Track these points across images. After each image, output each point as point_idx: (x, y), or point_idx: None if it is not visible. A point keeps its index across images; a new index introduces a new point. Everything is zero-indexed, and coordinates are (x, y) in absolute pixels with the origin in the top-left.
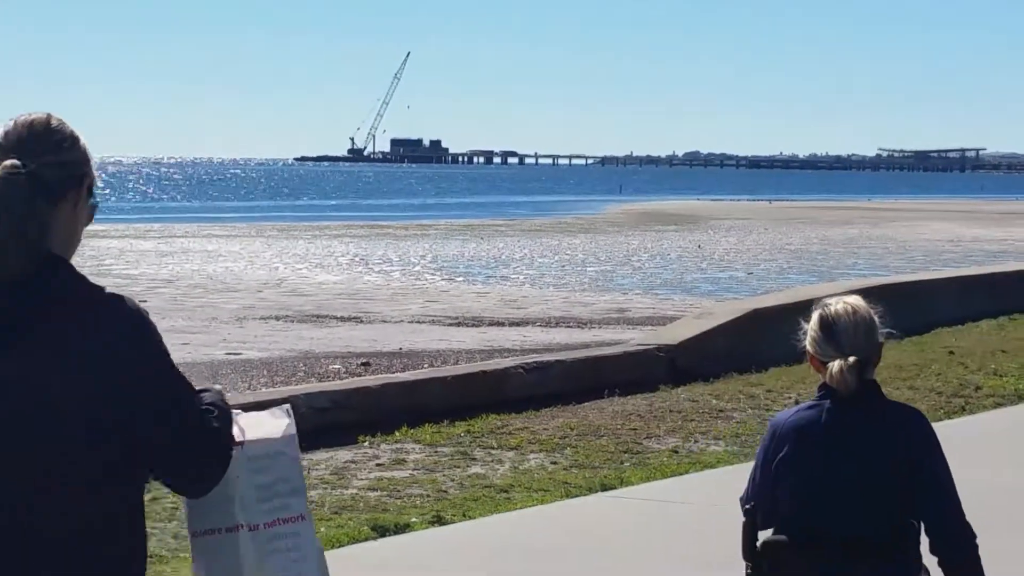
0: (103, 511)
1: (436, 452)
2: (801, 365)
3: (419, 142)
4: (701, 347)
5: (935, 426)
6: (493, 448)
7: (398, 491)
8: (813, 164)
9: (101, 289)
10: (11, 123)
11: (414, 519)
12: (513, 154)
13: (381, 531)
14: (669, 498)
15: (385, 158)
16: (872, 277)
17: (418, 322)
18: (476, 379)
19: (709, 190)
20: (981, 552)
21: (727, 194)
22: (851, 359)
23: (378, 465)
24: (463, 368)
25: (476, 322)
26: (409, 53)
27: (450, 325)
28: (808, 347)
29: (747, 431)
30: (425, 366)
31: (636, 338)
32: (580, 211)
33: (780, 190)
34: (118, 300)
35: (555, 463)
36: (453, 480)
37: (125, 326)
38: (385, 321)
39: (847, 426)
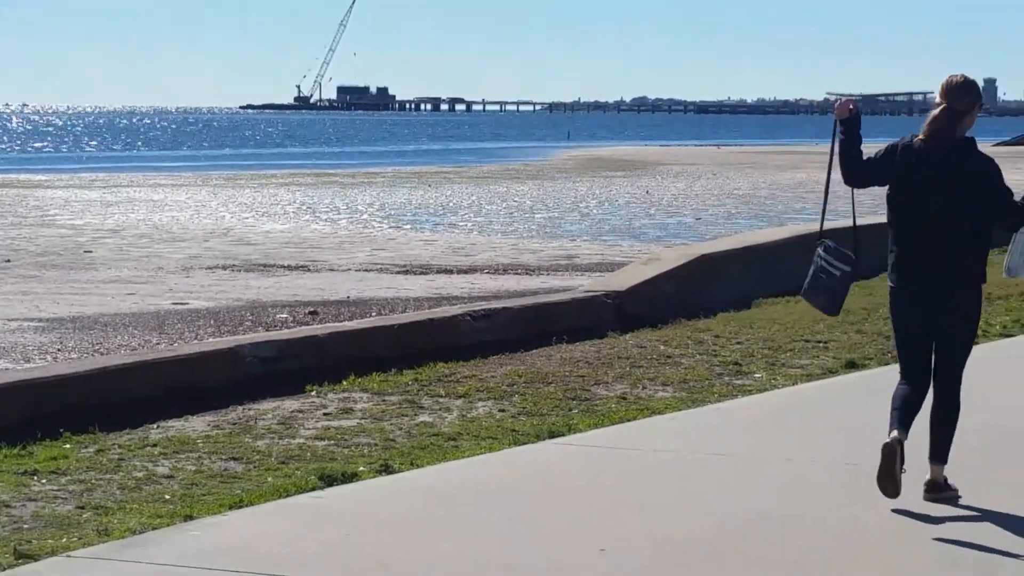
0: None
1: (384, 401)
2: (750, 310)
3: (366, 90)
4: (649, 293)
5: (882, 370)
6: (441, 396)
7: (346, 440)
8: (761, 109)
9: None
10: None
11: (362, 468)
12: (460, 101)
13: (329, 480)
14: (617, 444)
15: (332, 106)
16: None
17: (366, 270)
18: (423, 327)
19: (657, 136)
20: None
21: (675, 140)
22: None
23: (325, 415)
24: (410, 316)
25: (424, 270)
26: (354, 1)
27: (398, 273)
28: None
29: (695, 377)
30: (373, 314)
31: (584, 285)
32: (528, 158)
33: (728, 135)
34: None
35: (503, 411)
36: (401, 429)
37: None
38: (333, 270)
39: None
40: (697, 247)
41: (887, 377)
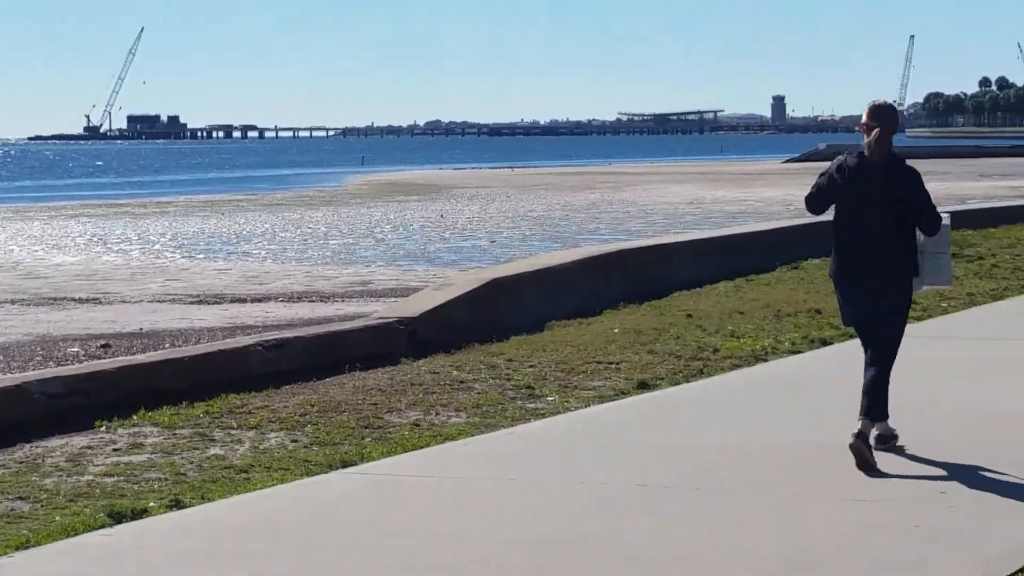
0: None
1: (174, 435)
2: (543, 333)
3: (157, 118)
4: (442, 318)
5: (672, 390)
6: (232, 428)
7: (135, 476)
8: (554, 130)
9: None
10: None
11: (152, 504)
12: (253, 128)
13: (118, 518)
14: (410, 472)
15: (122, 135)
16: (614, 242)
17: (159, 301)
18: (215, 358)
19: (451, 159)
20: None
21: (469, 162)
22: None
23: (115, 450)
24: (202, 348)
25: (218, 300)
26: (143, 28)
27: (191, 303)
28: None
29: (488, 401)
30: (166, 346)
31: (378, 311)
32: (322, 184)
33: (522, 157)
34: None
35: (295, 441)
36: (192, 462)
37: None
38: (125, 301)
39: None
40: (490, 271)
41: (678, 397)
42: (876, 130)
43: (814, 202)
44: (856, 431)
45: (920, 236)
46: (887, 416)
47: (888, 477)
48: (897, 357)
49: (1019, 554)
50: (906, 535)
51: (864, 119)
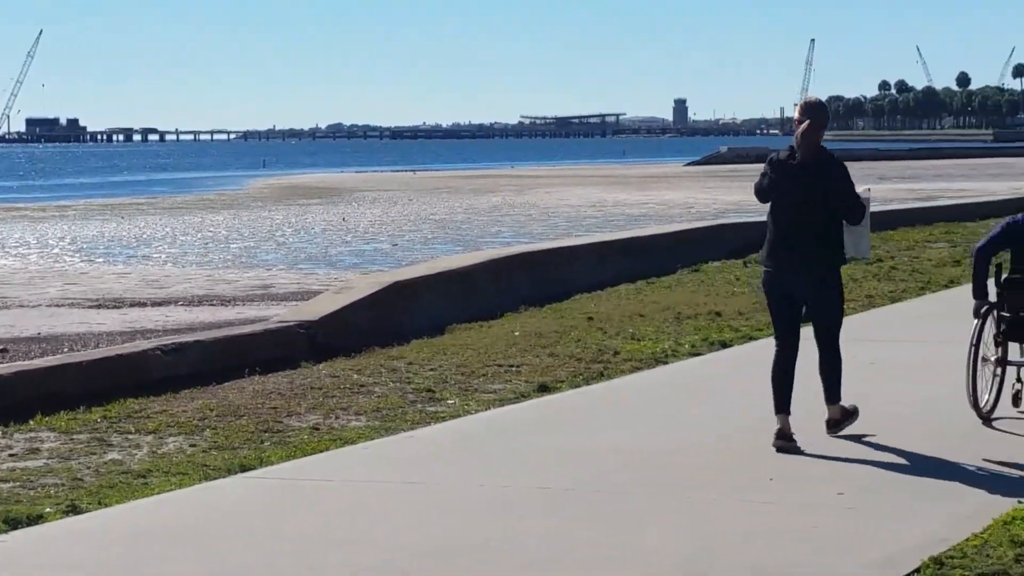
0: None
1: (72, 440)
2: (443, 336)
3: (56, 121)
4: (342, 322)
5: (573, 393)
6: (130, 433)
7: (31, 481)
8: (456, 133)
9: None
10: None
11: (48, 509)
12: (154, 131)
13: (13, 524)
14: (309, 476)
15: (21, 138)
16: (515, 244)
17: (57, 306)
18: (113, 363)
19: (353, 162)
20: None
21: (372, 166)
22: None
23: (11, 456)
24: (100, 352)
25: (117, 304)
26: (41, 31)
27: (90, 308)
28: None
29: (388, 405)
30: (65, 350)
31: (279, 315)
32: (223, 187)
33: (425, 160)
34: None
35: (194, 445)
36: (89, 468)
37: None
38: (23, 306)
39: None
40: (391, 274)
41: (579, 400)
42: (804, 123)
43: (762, 193)
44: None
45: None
46: (839, 399)
47: (786, 479)
48: (797, 358)
49: (915, 554)
50: (804, 537)
51: (796, 115)
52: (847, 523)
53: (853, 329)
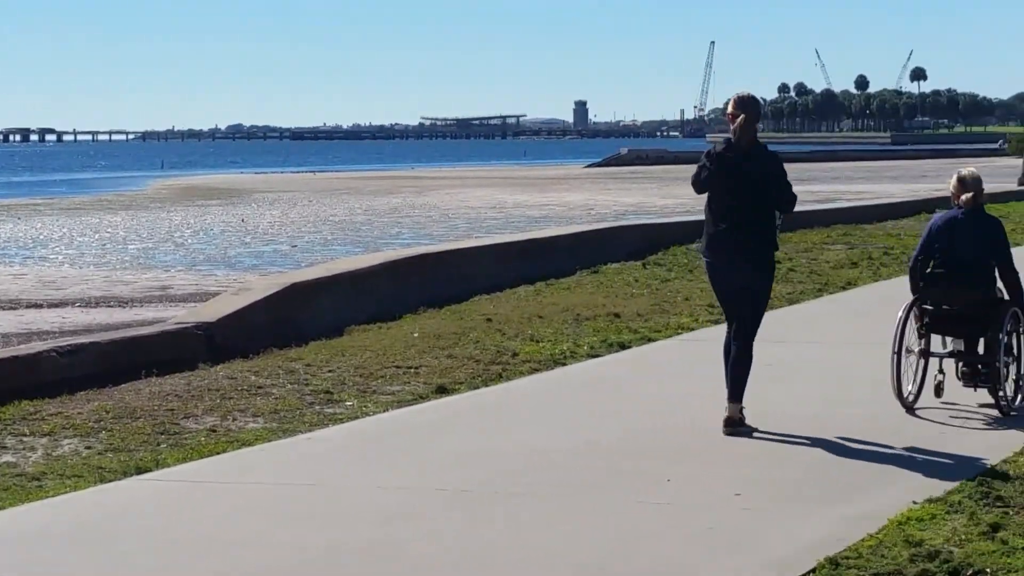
0: None
1: None
2: (342, 338)
3: None
4: (240, 323)
5: (471, 395)
6: (25, 435)
7: None
8: (357, 134)
9: None
10: None
11: None
12: (51, 131)
13: None
14: (206, 478)
15: None
16: (415, 246)
17: None
18: (7, 364)
19: (253, 163)
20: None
21: (272, 167)
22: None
23: None
24: None
25: (12, 305)
26: None
27: None
28: (952, 189)
29: (286, 407)
30: None
31: (176, 316)
32: (121, 188)
33: (325, 161)
34: None
35: (90, 448)
36: None
37: None
38: None
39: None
40: (289, 275)
41: (477, 402)
42: (741, 118)
43: (698, 184)
44: (725, 418)
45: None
46: (741, 399)
47: (684, 480)
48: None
49: (811, 555)
50: (700, 537)
51: (730, 109)
52: (744, 524)
53: None
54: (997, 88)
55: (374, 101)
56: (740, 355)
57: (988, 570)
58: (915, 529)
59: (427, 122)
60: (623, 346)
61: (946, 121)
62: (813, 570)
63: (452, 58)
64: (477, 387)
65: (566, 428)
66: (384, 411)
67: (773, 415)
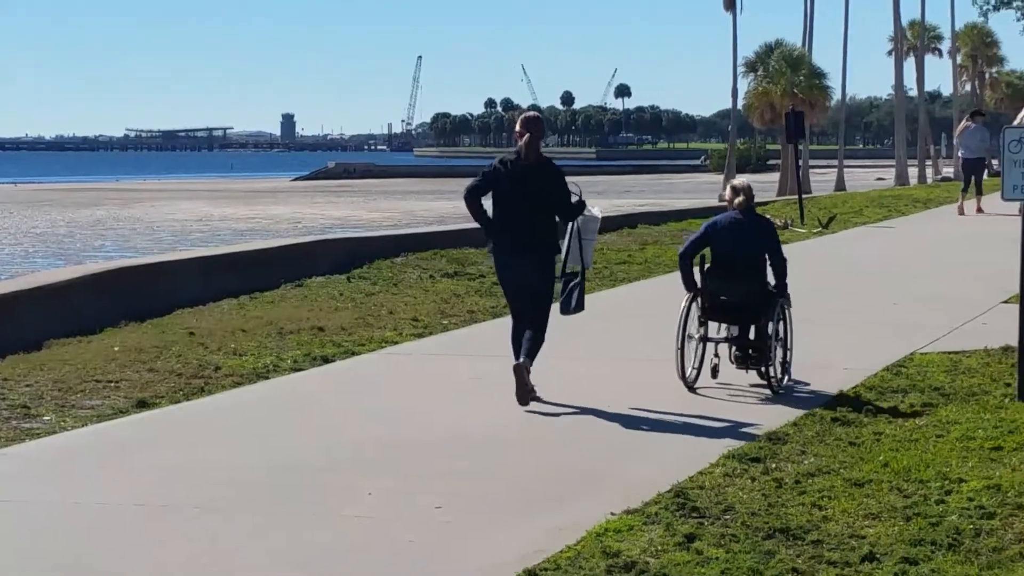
0: None
1: None
2: (40, 352)
3: None
4: None
5: (173, 408)
6: None
7: None
8: (60, 145)
9: None
10: None
11: None
12: None
13: None
14: None
15: None
16: (118, 259)
17: None
18: None
19: None
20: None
21: None
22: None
23: None
24: None
25: None
26: None
27: None
28: (727, 195)
29: None
30: None
31: None
32: None
33: (26, 173)
34: None
35: None
36: None
37: None
38: None
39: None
40: None
41: (179, 416)
42: (527, 136)
43: (473, 193)
44: (517, 363)
45: (571, 226)
46: (532, 361)
47: (385, 493)
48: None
49: (511, 567)
50: (400, 551)
51: (518, 128)
52: (444, 537)
53: (456, 343)
54: (699, 106)
55: (79, 112)
56: (534, 337)
57: None
58: (612, 540)
59: (132, 134)
60: (327, 360)
61: (650, 137)
62: None
63: (158, 69)
64: (179, 401)
65: (269, 442)
66: (83, 426)
67: (479, 430)
